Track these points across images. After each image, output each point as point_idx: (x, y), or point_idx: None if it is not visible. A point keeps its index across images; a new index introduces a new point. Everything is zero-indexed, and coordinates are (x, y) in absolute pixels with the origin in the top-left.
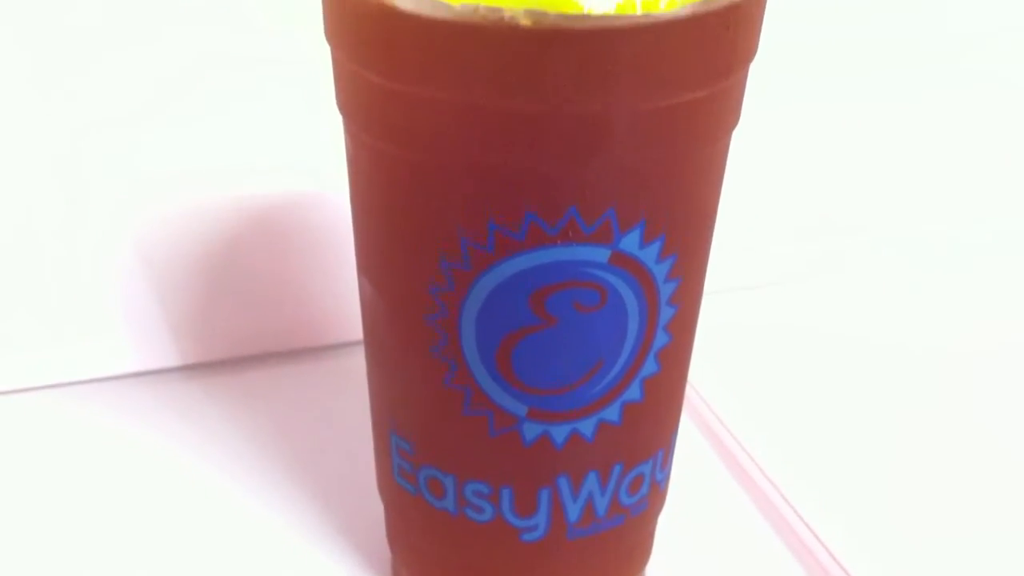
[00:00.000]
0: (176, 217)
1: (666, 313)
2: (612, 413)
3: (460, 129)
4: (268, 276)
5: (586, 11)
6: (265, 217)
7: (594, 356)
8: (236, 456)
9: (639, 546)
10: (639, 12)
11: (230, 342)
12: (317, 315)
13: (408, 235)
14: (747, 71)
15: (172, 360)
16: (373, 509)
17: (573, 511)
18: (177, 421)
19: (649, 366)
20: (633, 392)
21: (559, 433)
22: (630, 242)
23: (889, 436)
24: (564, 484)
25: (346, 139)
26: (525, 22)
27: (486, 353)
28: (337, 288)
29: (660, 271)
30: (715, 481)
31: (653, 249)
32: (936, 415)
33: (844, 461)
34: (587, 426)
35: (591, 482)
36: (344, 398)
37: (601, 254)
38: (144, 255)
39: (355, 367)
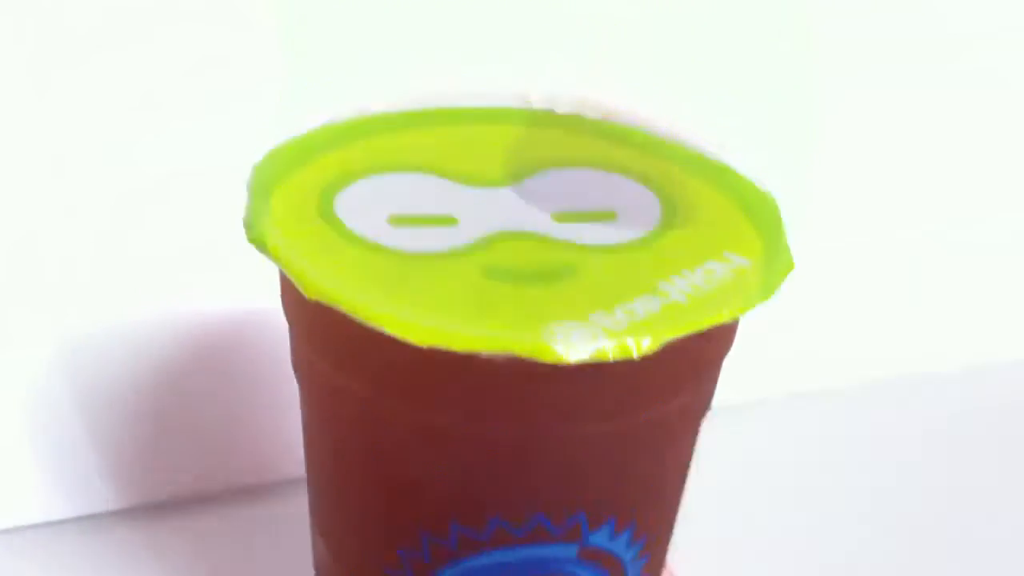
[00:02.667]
0: (107, 347)
1: None
2: None
3: (426, 445)
4: (208, 407)
5: (563, 359)
6: (202, 339)
7: None
8: None
9: None
10: (612, 357)
11: (172, 482)
12: (264, 449)
13: (367, 520)
14: (722, 362)
15: (109, 504)
16: None
17: None
18: (117, 570)
19: None
20: None
21: None
22: (600, 537)
23: None
24: None
25: (301, 400)
26: (501, 362)
27: None
28: (284, 420)
29: (629, 555)
30: None
31: (623, 539)
32: None
33: None
34: None
35: None
36: (294, 537)
37: (569, 550)
38: (75, 389)
39: (304, 504)
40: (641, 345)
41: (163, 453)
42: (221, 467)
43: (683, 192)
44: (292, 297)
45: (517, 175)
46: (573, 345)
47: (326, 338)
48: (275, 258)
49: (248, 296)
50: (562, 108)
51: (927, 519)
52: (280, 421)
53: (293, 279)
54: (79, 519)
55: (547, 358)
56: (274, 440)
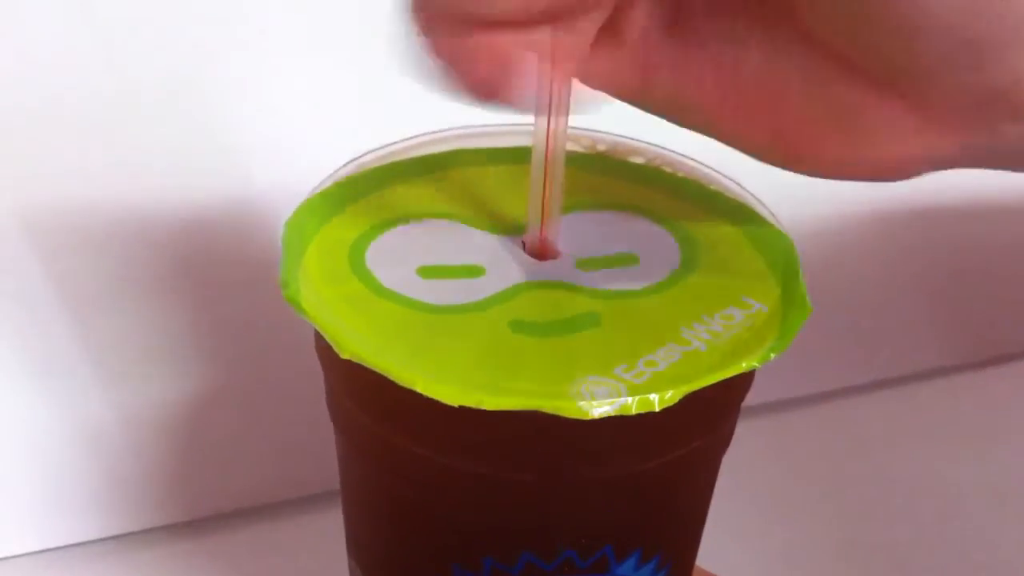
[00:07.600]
0: (148, 369)
1: None
2: None
3: (457, 489)
4: (247, 425)
5: (588, 415)
6: (239, 357)
7: None
8: None
9: None
10: (634, 411)
11: (214, 498)
12: (302, 464)
13: (401, 554)
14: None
15: (156, 520)
16: None
17: None
18: None
19: None
20: None
21: None
22: (626, 568)
23: None
24: None
25: (337, 438)
26: (528, 416)
27: None
28: (317, 433)
29: None
30: None
31: (649, 567)
32: None
33: None
34: None
35: None
36: (330, 551)
37: None
38: (117, 410)
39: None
40: (663, 399)
41: (202, 472)
42: (259, 483)
43: (701, 232)
44: (326, 349)
45: None
46: (597, 402)
47: (361, 390)
48: (311, 319)
49: (285, 315)
50: (580, 147)
51: (925, 521)
52: (315, 434)
53: (329, 339)
54: (122, 537)
55: (573, 414)
56: (313, 455)
